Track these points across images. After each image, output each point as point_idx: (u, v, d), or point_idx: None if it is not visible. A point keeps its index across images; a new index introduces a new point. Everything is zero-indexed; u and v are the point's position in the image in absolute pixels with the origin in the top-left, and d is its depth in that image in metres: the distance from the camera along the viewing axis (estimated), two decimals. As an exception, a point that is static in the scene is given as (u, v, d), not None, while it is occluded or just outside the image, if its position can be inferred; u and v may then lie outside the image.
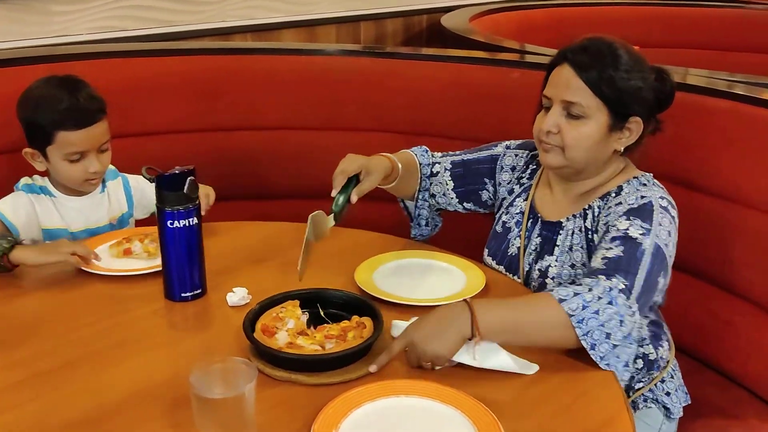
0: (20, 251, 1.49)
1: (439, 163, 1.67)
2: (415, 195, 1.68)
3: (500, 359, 1.19)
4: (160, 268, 1.44)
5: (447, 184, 1.67)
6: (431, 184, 1.68)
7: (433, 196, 1.69)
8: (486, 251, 1.63)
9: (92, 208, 1.77)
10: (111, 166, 1.81)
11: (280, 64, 2.24)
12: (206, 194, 1.71)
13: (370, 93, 2.20)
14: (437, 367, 1.20)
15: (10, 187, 1.74)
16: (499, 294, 1.46)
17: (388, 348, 1.20)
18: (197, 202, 1.41)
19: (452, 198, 1.68)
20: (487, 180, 1.65)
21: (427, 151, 1.71)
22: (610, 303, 1.21)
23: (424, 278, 1.53)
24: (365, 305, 1.31)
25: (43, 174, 1.75)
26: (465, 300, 1.23)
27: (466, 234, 1.77)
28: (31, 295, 1.45)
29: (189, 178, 1.38)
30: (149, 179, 1.40)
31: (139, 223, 1.88)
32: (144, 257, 1.57)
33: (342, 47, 2.39)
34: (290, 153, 2.24)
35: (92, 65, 2.07)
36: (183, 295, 1.43)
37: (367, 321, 1.26)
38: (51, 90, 1.66)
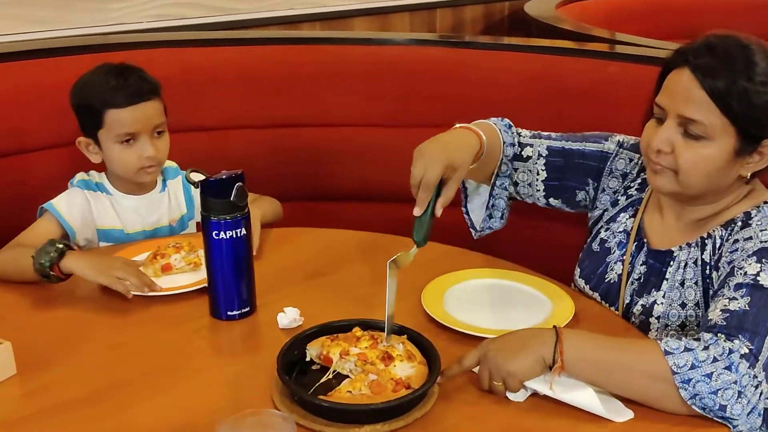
0: (72, 260, 1.33)
1: (530, 145, 1.39)
2: (492, 180, 1.37)
3: (585, 395, 1.03)
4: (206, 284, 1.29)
5: (538, 174, 1.39)
6: (516, 169, 1.39)
7: (515, 184, 1.40)
8: (578, 271, 1.39)
9: (151, 209, 1.64)
10: (172, 164, 1.69)
11: (348, 55, 2.06)
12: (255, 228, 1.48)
13: (446, 86, 2.00)
14: (509, 395, 1.05)
15: (62, 180, 1.62)
16: (591, 327, 1.24)
17: (461, 360, 1.09)
18: (246, 211, 1.25)
19: (538, 190, 1.40)
20: (590, 180, 1.38)
21: (510, 127, 1.40)
22: (728, 368, 0.99)
23: (502, 304, 1.33)
24: (426, 345, 1.12)
25: (100, 169, 1.63)
26: (554, 326, 1.07)
27: (534, 238, 1.55)
28: (62, 310, 1.32)
29: (237, 185, 1.22)
30: (193, 184, 1.25)
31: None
32: (188, 270, 1.42)
33: (415, 36, 2.20)
34: (357, 151, 2.05)
35: (147, 54, 1.94)
36: (229, 313, 1.27)
37: (415, 350, 1.10)
38: (100, 73, 1.55)
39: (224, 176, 1.22)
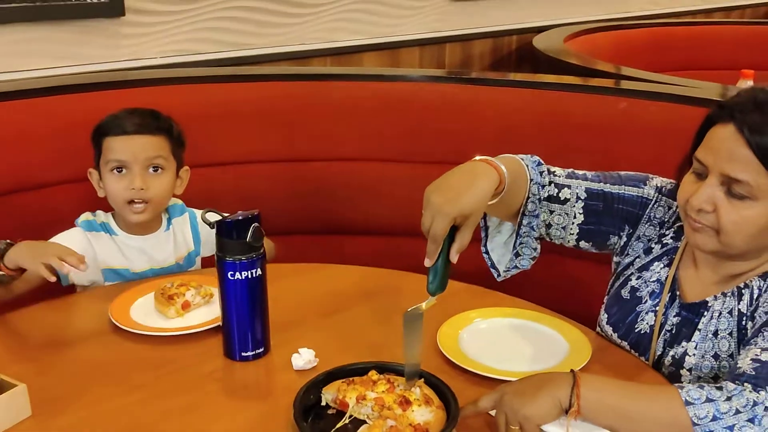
0: (13, 252, 1.36)
1: (568, 186, 1.31)
2: (518, 219, 1.29)
3: None
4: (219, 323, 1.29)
5: (575, 217, 1.31)
6: (552, 211, 1.32)
7: (548, 225, 1.33)
8: (604, 317, 1.36)
9: (157, 248, 1.65)
10: (178, 201, 1.69)
11: (359, 91, 2.08)
12: None
13: (455, 122, 2.02)
14: None
15: (72, 215, 1.62)
16: (617, 374, 1.21)
17: (477, 401, 1.08)
18: (262, 251, 1.25)
19: (572, 233, 1.33)
20: (626, 226, 1.32)
21: (540, 164, 1.32)
22: (750, 421, 0.98)
23: (518, 345, 1.32)
24: (443, 390, 1.11)
25: (108, 209, 1.64)
26: (572, 370, 1.06)
27: (549, 275, 1.55)
28: (74, 351, 1.32)
29: (253, 225, 1.22)
30: (209, 225, 1.25)
31: (206, 262, 1.74)
32: (203, 303, 1.43)
33: (425, 73, 2.23)
34: (368, 186, 2.07)
35: (162, 91, 1.97)
36: (243, 354, 1.27)
37: (432, 394, 1.09)
38: (119, 112, 1.58)
39: (240, 217, 1.22)
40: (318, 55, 2.77)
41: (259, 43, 2.66)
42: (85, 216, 1.62)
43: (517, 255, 1.33)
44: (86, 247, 1.58)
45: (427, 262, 1.11)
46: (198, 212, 1.72)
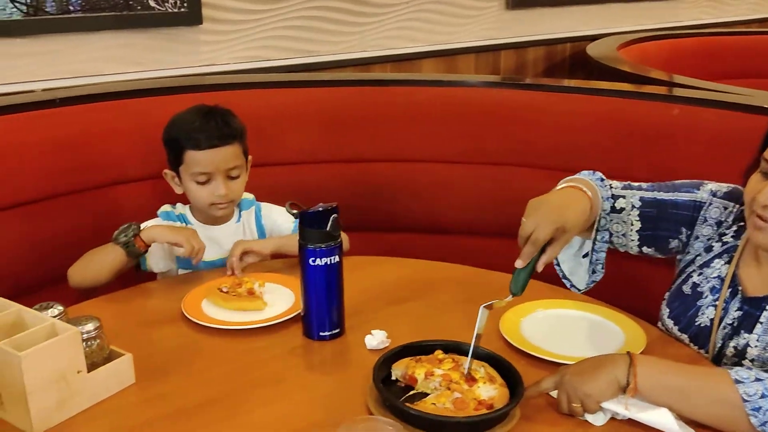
0: (150, 229, 1.60)
1: (623, 197, 1.41)
2: (593, 235, 1.39)
3: (660, 415, 1.09)
4: (291, 314, 1.43)
5: (632, 225, 1.41)
6: (611, 220, 1.41)
7: (610, 234, 1.42)
8: (666, 311, 1.41)
9: (227, 238, 1.77)
10: (248, 195, 1.82)
11: (418, 96, 2.19)
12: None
13: (511, 126, 2.11)
14: (588, 417, 1.12)
15: (149, 210, 1.77)
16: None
17: (539, 382, 1.16)
18: (339, 241, 1.37)
19: (632, 240, 1.42)
20: (683, 229, 1.39)
21: (603, 180, 1.42)
22: None
23: (575, 333, 1.41)
24: (507, 368, 1.21)
25: (185, 201, 1.78)
26: (628, 352, 1.15)
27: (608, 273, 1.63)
28: (172, 328, 1.44)
29: (332, 216, 1.34)
30: (293, 215, 1.37)
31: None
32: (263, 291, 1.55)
33: (482, 78, 2.32)
34: (426, 186, 2.17)
35: (235, 95, 2.10)
36: (321, 334, 1.38)
37: (495, 374, 1.19)
38: (190, 113, 1.70)
39: (321, 209, 1.34)
40: (379, 61, 2.89)
41: (323, 50, 2.80)
42: (165, 207, 1.77)
43: (593, 271, 1.43)
44: None
45: (519, 264, 1.21)
46: (263, 205, 1.85)
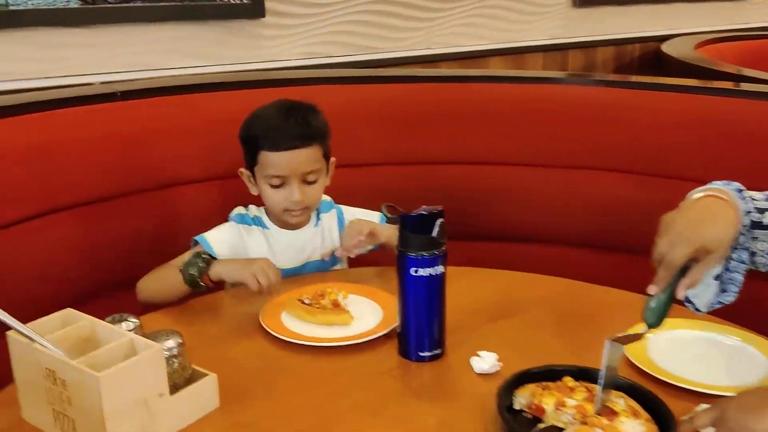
0: (219, 266, 1.42)
1: None
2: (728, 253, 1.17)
3: None
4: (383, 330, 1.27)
5: None
6: (755, 238, 1.18)
7: (752, 254, 1.20)
8: None
9: (305, 243, 1.64)
10: (327, 197, 1.68)
11: (491, 93, 2.03)
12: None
13: (594, 126, 1.94)
14: None
15: (221, 214, 1.64)
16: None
17: (693, 418, 0.99)
18: (444, 249, 1.21)
19: None
20: None
21: (741, 191, 1.19)
22: None
23: (709, 358, 1.24)
24: (652, 400, 1.04)
25: (259, 203, 1.63)
26: None
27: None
28: (253, 344, 1.30)
29: (438, 221, 1.18)
30: (391, 219, 1.22)
31: (352, 262, 1.71)
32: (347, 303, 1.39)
33: (561, 75, 2.15)
34: (499, 190, 2.01)
35: (302, 91, 1.94)
36: (420, 354, 1.23)
37: (638, 407, 1.02)
38: (269, 109, 1.56)
39: (425, 212, 1.19)
40: (445, 59, 2.75)
41: (386, 47, 2.66)
42: (239, 210, 1.63)
43: (723, 290, 1.21)
44: (238, 241, 1.58)
45: (653, 290, 1.06)
46: (345, 209, 1.70)
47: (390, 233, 1.52)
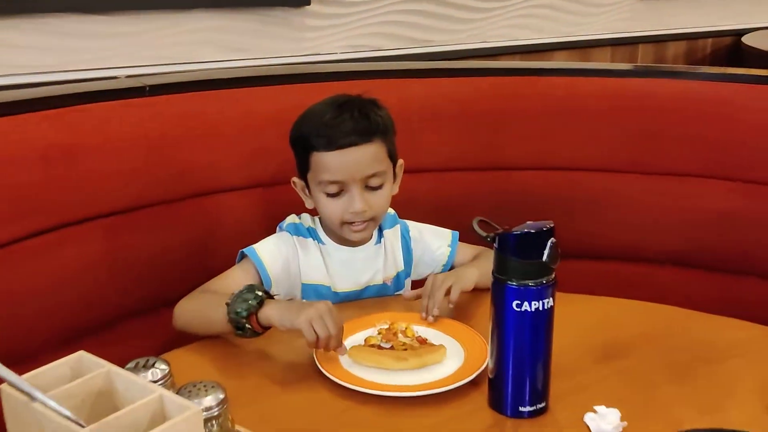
0: (272, 309, 1.11)
1: None
2: None
3: None
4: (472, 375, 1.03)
5: None
6: None
7: None
8: None
9: (365, 264, 1.39)
10: (391, 211, 1.43)
11: (579, 89, 1.76)
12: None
13: (703, 127, 1.67)
14: None
15: (266, 227, 1.41)
16: None
17: None
18: (554, 277, 0.96)
19: None
20: None
21: None
22: None
23: None
24: None
25: (313, 213, 1.40)
26: None
27: None
28: (303, 391, 1.06)
29: (550, 241, 0.93)
30: (486, 238, 0.97)
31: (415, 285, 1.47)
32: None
33: (660, 68, 1.88)
34: (587, 200, 1.74)
35: (352, 86, 1.70)
36: (521, 409, 0.97)
37: None
38: (322, 105, 1.32)
39: (532, 230, 0.94)
40: (502, 53, 2.50)
41: (439, 39, 2.41)
42: (292, 219, 1.39)
43: None
44: (293, 255, 1.34)
45: None
46: (411, 224, 1.46)
47: (477, 278, 1.28)
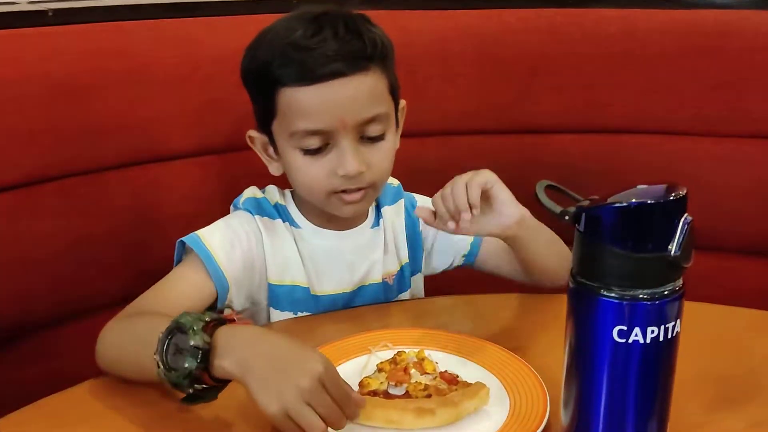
0: (230, 360, 0.67)
1: None
2: None
3: None
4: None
5: None
6: None
7: None
8: None
9: (359, 254, 1.00)
10: (393, 181, 1.03)
11: (637, 24, 1.33)
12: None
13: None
14: None
15: (206, 205, 1.08)
16: None
17: None
18: (682, 284, 0.55)
19: None
20: None
21: None
22: None
23: None
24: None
25: (284, 184, 0.99)
26: None
27: None
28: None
29: (683, 220, 0.53)
30: (562, 215, 0.56)
31: (430, 287, 1.08)
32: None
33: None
34: (647, 172, 1.31)
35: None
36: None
37: None
38: (289, 20, 0.90)
39: (649, 199, 0.53)
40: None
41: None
42: (251, 192, 0.99)
43: None
44: (257, 243, 0.95)
45: None
46: (420, 198, 1.06)
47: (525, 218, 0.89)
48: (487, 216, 0.87)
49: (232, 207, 0.99)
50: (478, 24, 1.34)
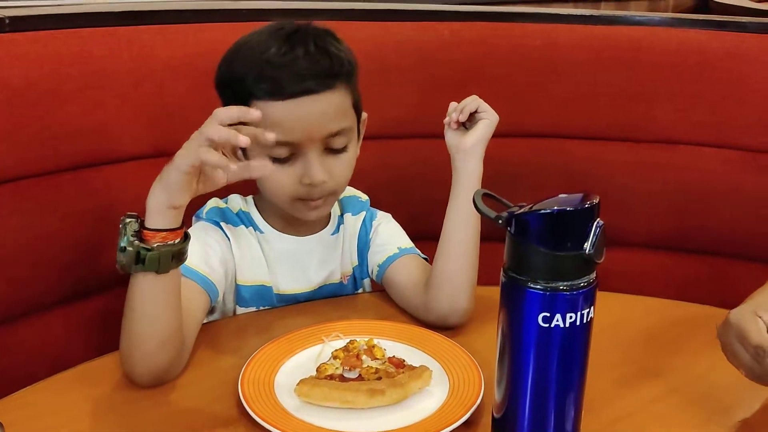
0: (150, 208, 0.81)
1: None
2: None
3: None
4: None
5: None
6: None
7: None
8: None
9: (319, 257, 1.08)
10: (361, 195, 1.14)
11: (558, 37, 1.43)
12: None
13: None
14: None
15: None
16: None
17: None
18: (596, 277, 0.66)
19: None
20: None
21: None
22: None
23: None
24: None
25: (245, 191, 1.06)
26: None
27: None
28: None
29: (596, 224, 0.63)
30: (497, 220, 0.66)
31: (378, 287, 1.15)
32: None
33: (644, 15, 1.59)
34: (567, 174, 1.44)
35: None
36: (543, 461, 0.68)
37: None
38: (263, 35, 0.97)
39: (568, 207, 0.63)
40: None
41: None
42: (213, 203, 1.06)
43: None
44: (226, 248, 1.02)
45: None
46: (382, 215, 1.16)
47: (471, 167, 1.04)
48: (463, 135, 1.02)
49: (194, 218, 1.05)
50: (414, 36, 1.42)
